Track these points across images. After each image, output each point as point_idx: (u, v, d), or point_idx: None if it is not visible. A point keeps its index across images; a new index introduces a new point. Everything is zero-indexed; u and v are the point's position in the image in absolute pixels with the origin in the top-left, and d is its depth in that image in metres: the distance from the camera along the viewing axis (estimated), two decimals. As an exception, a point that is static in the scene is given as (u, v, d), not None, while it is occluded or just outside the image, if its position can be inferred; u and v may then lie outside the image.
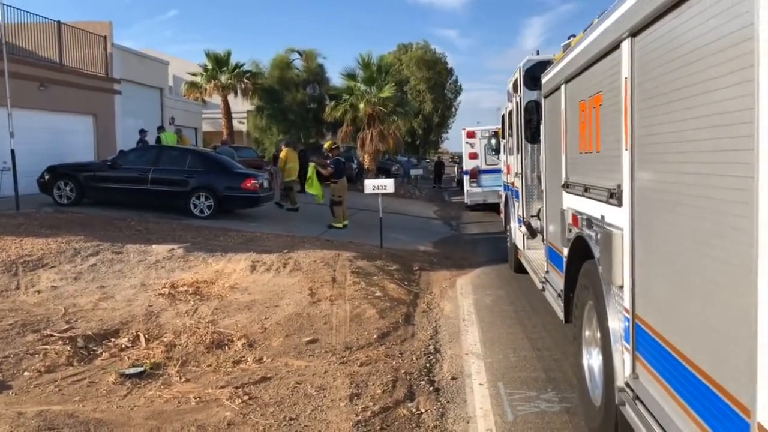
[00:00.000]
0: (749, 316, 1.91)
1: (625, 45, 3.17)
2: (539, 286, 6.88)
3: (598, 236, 3.76)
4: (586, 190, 4.21)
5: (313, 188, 14.33)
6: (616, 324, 3.53)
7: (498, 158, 13.56)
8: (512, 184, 9.85)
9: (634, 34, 3.05)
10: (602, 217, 3.77)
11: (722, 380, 2.15)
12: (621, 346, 3.44)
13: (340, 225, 14.27)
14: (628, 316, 3.27)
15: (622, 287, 3.39)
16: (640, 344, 3.14)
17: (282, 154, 17.06)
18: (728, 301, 2.12)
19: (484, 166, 20.86)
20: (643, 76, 2.97)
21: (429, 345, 6.62)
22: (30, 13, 16.94)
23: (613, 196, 3.46)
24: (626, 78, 3.18)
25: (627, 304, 3.30)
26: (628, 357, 3.31)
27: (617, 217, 3.44)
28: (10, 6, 15.12)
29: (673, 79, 2.55)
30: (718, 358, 2.20)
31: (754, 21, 1.81)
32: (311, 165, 14.72)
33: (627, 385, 3.26)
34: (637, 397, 3.07)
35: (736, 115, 1.99)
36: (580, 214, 4.38)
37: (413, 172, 34.59)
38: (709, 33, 2.19)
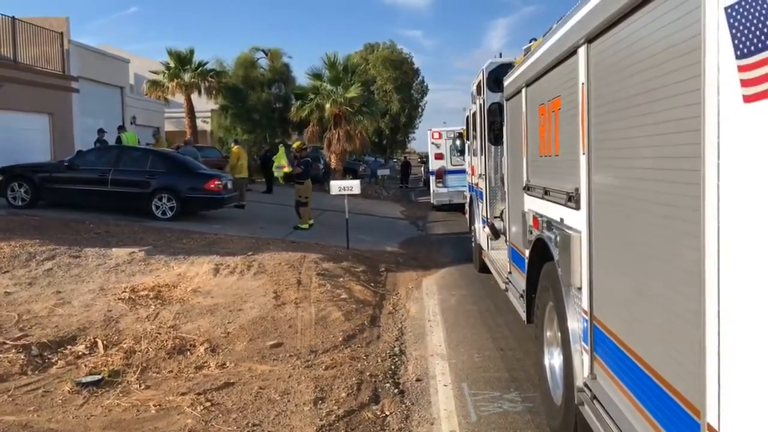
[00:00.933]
0: (697, 319, 1.97)
1: (582, 51, 3.23)
2: (502, 286, 6.96)
3: (558, 238, 3.82)
4: (546, 192, 4.27)
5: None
6: (575, 325, 3.59)
7: (463, 159, 13.67)
8: (476, 185, 9.95)
9: (589, 40, 3.11)
10: (561, 219, 3.83)
11: (674, 381, 2.21)
12: (580, 346, 3.51)
13: (306, 226, 14.19)
14: (587, 318, 3.33)
15: (580, 289, 3.45)
16: (598, 345, 3.20)
17: (234, 150, 17.85)
18: (677, 304, 2.18)
19: (449, 167, 21.02)
20: (598, 81, 3.03)
21: (394, 347, 6.63)
22: (-18, 8, 16.35)
23: (572, 200, 3.52)
24: (583, 83, 3.24)
25: (585, 305, 3.36)
26: (586, 358, 3.38)
27: (575, 219, 3.50)
28: (-40, 1, 14.59)
29: (626, 85, 2.61)
30: (670, 359, 2.25)
31: (701, 31, 1.86)
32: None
33: (585, 385, 3.32)
34: (595, 397, 3.12)
35: (683, 123, 2.04)
36: (541, 216, 4.44)
37: (380, 172, 34.60)
38: (659, 42, 2.24)
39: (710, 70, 1.81)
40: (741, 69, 1.63)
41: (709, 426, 1.89)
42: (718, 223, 1.82)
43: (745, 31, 1.60)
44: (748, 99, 1.62)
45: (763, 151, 1.60)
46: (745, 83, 1.62)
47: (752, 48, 1.58)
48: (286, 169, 14.41)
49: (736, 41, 1.65)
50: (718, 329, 1.85)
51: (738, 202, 1.75)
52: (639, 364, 2.55)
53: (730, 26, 1.68)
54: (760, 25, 1.54)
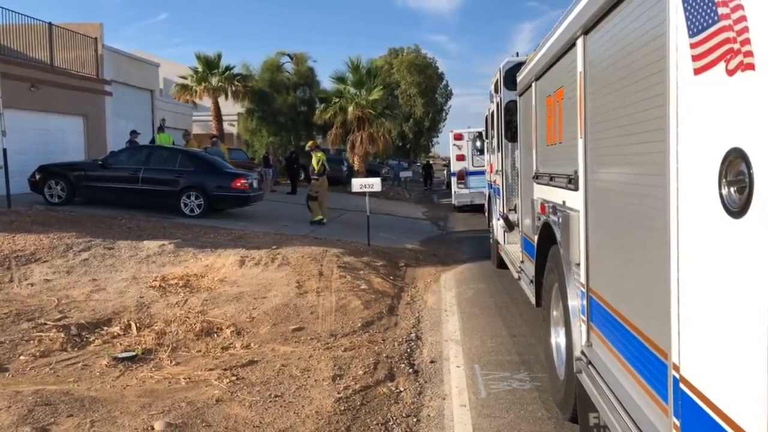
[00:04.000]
0: (665, 278, 2.21)
1: (579, 42, 3.48)
2: (515, 276, 7.19)
3: (560, 220, 4.06)
4: (551, 179, 4.52)
5: None
6: (575, 299, 3.83)
7: (483, 158, 13.88)
8: (494, 182, 10.17)
9: (585, 32, 3.36)
10: (563, 202, 4.08)
11: (648, 332, 2.46)
12: (579, 319, 3.75)
13: (318, 218, 14.82)
14: (584, 290, 3.57)
15: (579, 264, 3.69)
16: (594, 314, 3.44)
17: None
18: (652, 266, 2.43)
19: (471, 168, 21.16)
20: (593, 70, 3.28)
21: (411, 333, 6.90)
22: (21, 14, 17.12)
23: (571, 182, 3.77)
24: (580, 72, 3.49)
25: (583, 279, 3.60)
26: (584, 328, 3.62)
27: (574, 200, 3.75)
28: (2, 7, 15.33)
29: (613, 73, 2.86)
30: (646, 313, 2.50)
31: (666, 17, 2.11)
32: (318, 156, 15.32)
33: (582, 353, 3.56)
34: (590, 362, 3.36)
35: (654, 100, 2.30)
36: (547, 202, 4.69)
37: (403, 174, 34.93)
38: (638, 29, 2.50)
39: (672, 50, 2.06)
40: (692, 46, 1.89)
41: (675, 365, 2.14)
42: (677, 187, 2.07)
43: (695, 12, 1.85)
44: (697, 71, 1.87)
45: (710, 119, 1.85)
46: (695, 58, 1.88)
47: (699, 27, 1.83)
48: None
49: (688, 22, 1.90)
50: (678, 285, 2.11)
51: (692, 168, 1.99)
52: (624, 324, 2.80)
53: (685, 9, 1.93)
54: (705, 6, 1.80)
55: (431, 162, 44.27)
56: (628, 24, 2.62)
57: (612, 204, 3.01)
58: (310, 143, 16.86)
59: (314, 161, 15.16)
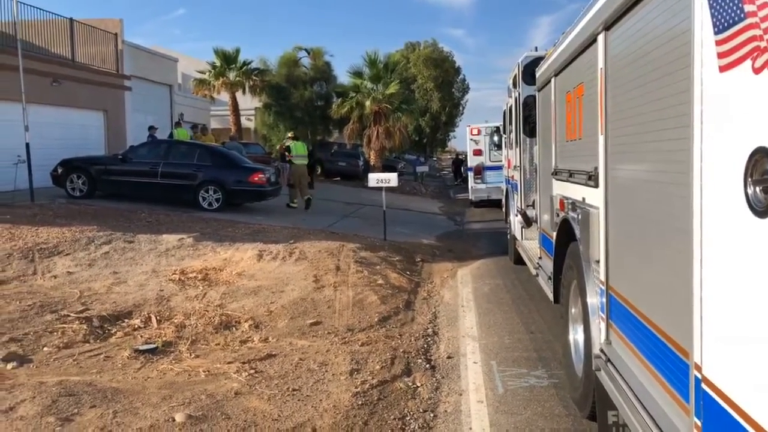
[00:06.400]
0: (687, 277, 2.19)
1: (600, 38, 3.45)
2: (533, 272, 7.16)
3: (579, 216, 4.04)
4: (570, 175, 4.49)
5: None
6: (594, 297, 3.81)
7: (500, 153, 13.81)
8: (512, 177, 10.12)
9: (607, 27, 3.33)
10: (583, 198, 4.05)
11: (670, 330, 2.44)
12: (598, 317, 3.73)
13: (295, 205, 15.90)
14: (603, 288, 3.55)
15: (598, 262, 3.67)
16: (613, 312, 3.42)
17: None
18: (674, 265, 2.41)
19: (488, 163, 21.04)
20: (614, 66, 3.25)
21: (428, 328, 6.92)
22: (43, 10, 17.34)
23: (591, 178, 3.75)
24: (601, 68, 3.46)
25: (602, 276, 3.58)
26: (603, 325, 3.60)
27: (594, 197, 3.72)
28: (24, 3, 15.54)
29: (635, 69, 2.83)
30: (667, 313, 2.48)
31: (691, 13, 2.09)
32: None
33: (601, 350, 3.55)
34: (609, 360, 3.35)
35: (678, 97, 2.27)
36: (566, 198, 4.66)
37: (419, 169, 34.76)
38: (661, 26, 2.47)
39: (697, 46, 2.04)
40: (718, 43, 1.86)
41: (696, 365, 2.12)
42: (701, 185, 2.05)
43: (720, 9, 1.83)
44: (723, 69, 1.85)
45: (735, 117, 1.83)
46: (720, 55, 1.85)
47: (725, 24, 1.80)
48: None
49: (713, 18, 1.88)
50: (700, 284, 2.09)
51: (717, 167, 1.97)
52: (644, 322, 2.78)
53: (710, 6, 1.91)
54: (730, 3, 1.77)
55: (461, 157, 43.79)
56: (652, 20, 2.59)
57: (633, 201, 2.98)
58: (290, 134, 18.20)
59: (293, 150, 16.42)
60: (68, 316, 6.51)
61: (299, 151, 16.61)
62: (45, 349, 5.68)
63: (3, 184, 13.82)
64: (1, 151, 14.08)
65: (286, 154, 16.92)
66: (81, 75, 18.04)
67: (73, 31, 18.26)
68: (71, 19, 18.28)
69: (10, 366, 5.19)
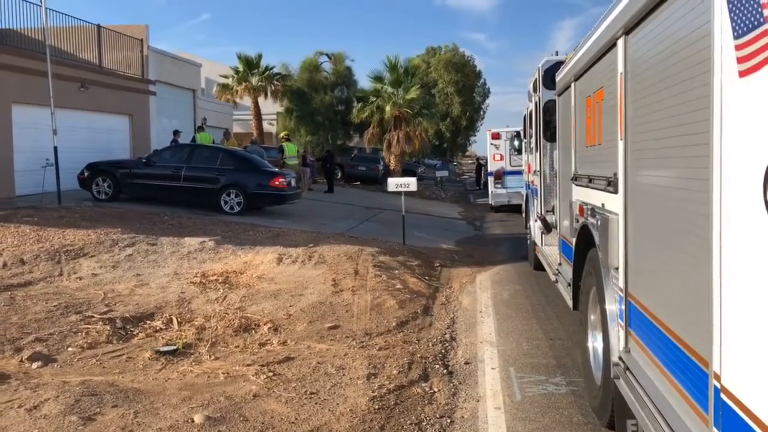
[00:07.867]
0: (708, 285, 2.16)
1: (620, 42, 3.42)
2: (552, 278, 7.10)
3: (599, 222, 4.00)
4: (590, 181, 4.45)
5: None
6: (612, 304, 3.77)
7: (521, 158, 13.73)
8: (532, 182, 10.06)
9: (627, 32, 3.30)
10: (602, 204, 4.01)
11: (690, 340, 2.40)
12: (617, 324, 3.68)
13: None
14: (622, 295, 3.51)
15: (617, 269, 3.63)
16: (632, 320, 3.38)
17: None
18: (694, 273, 2.37)
19: (508, 168, 20.90)
20: (634, 71, 3.22)
21: (445, 333, 6.89)
22: (72, 17, 17.73)
23: (611, 184, 3.71)
24: (621, 73, 3.43)
25: (621, 284, 3.54)
26: (622, 333, 3.56)
27: (614, 203, 3.69)
28: (54, 10, 15.92)
29: (655, 74, 2.81)
30: (687, 322, 2.45)
31: (710, 18, 2.07)
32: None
33: (620, 359, 3.50)
34: (628, 368, 3.31)
35: (698, 102, 2.24)
36: (586, 204, 4.62)
37: (438, 174, 34.71)
38: (681, 30, 2.44)
39: (716, 51, 2.01)
40: (737, 48, 1.84)
41: (716, 374, 2.09)
42: (720, 192, 2.02)
43: (740, 13, 1.80)
44: (742, 74, 1.83)
45: (755, 123, 1.80)
46: (740, 60, 1.83)
47: (745, 28, 1.78)
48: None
49: (733, 23, 1.86)
50: (720, 293, 2.06)
51: (736, 173, 1.94)
52: (663, 330, 2.74)
53: (730, 10, 1.89)
54: (750, 7, 1.75)
55: (482, 162, 43.63)
56: (671, 24, 2.57)
57: (652, 208, 2.95)
58: (283, 134, 18.79)
59: (286, 151, 17.07)
60: (92, 317, 6.63)
61: (291, 152, 16.95)
62: (69, 349, 5.80)
63: (32, 186, 14.14)
64: (30, 154, 14.40)
65: (280, 154, 17.33)
66: (108, 80, 18.38)
67: (100, 38, 18.62)
68: (99, 26, 18.65)
69: (35, 365, 5.31)
